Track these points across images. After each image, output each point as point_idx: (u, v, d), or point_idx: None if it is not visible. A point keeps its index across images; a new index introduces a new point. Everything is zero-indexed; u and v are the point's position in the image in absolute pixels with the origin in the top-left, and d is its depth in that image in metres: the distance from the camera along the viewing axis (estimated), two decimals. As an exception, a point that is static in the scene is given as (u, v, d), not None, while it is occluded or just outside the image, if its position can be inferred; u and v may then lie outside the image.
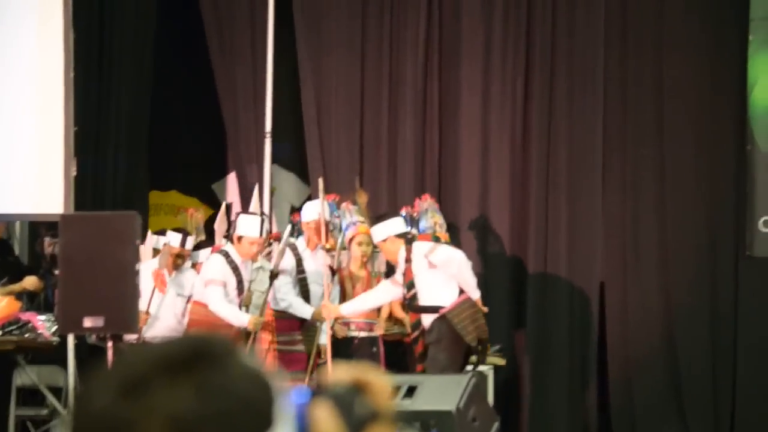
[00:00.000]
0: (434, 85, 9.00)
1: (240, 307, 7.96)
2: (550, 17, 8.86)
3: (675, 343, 8.44)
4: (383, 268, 8.30)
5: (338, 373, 1.34)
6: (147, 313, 7.91)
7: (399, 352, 8.24)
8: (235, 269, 7.94)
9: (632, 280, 8.64)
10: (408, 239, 7.72)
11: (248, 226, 7.93)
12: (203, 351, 1.22)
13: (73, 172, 8.16)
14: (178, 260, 8.17)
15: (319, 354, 7.96)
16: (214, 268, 7.93)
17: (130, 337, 7.73)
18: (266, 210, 8.97)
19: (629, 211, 8.70)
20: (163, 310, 8.12)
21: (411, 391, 6.63)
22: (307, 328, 8.00)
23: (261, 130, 9.16)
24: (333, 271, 8.07)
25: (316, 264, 8.06)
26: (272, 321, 7.99)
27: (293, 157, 9.51)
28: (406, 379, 6.79)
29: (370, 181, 8.88)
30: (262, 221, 8.01)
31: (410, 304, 7.72)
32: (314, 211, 8.05)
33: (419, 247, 7.68)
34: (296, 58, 9.20)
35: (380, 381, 1.34)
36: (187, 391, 1.19)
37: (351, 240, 8.13)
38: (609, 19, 8.74)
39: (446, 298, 7.63)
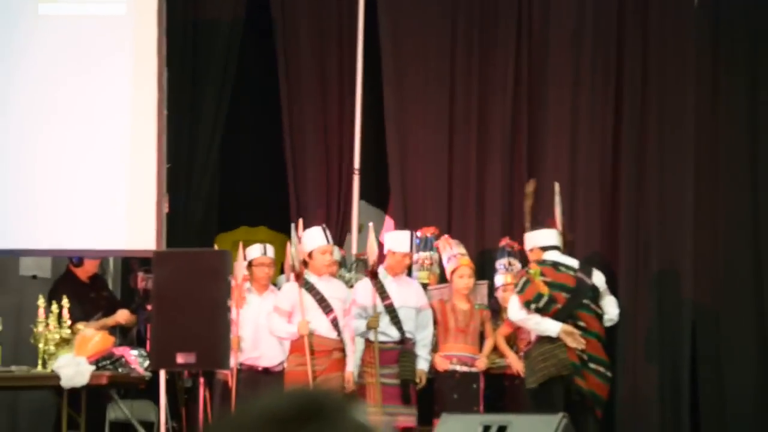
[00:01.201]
0: (523, 123, 9.06)
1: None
2: (640, 54, 8.88)
3: None
4: (485, 301, 8.38)
5: None
6: (237, 335, 8.03)
7: (500, 387, 8.29)
8: (311, 289, 8.02)
9: (726, 323, 8.57)
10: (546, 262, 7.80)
11: (312, 238, 8.05)
12: (313, 407, 1.23)
13: (166, 209, 8.36)
14: (261, 271, 8.27)
15: (414, 382, 8.00)
16: (282, 296, 8.12)
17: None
18: (354, 247, 9.12)
19: (722, 260, 8.62)
20: (262, 333, 8.21)
21: (501, 431, 6.71)
22: (404, 356, 8.04)
23: (348, 167, 9.31)
24: (432, 307, 8.21)
25: (402, 291, 8.12)
26: (374, 352, 7.98)
27: (374, 193, 9.66)
28: (496, 419, 6.87)
29: (458, 219, 8.98)
30: (324, 229, 8.09)
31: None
32: (405, 242, 8.15)
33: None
34: (378, 95, 9.31)
35: None
36: None
37: (453, 272, 8.26)
38: (701, 52, 8.72)
39: (533, 336, 7.87)
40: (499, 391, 8.26)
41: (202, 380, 7.64)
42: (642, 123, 8.83)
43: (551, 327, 7.75)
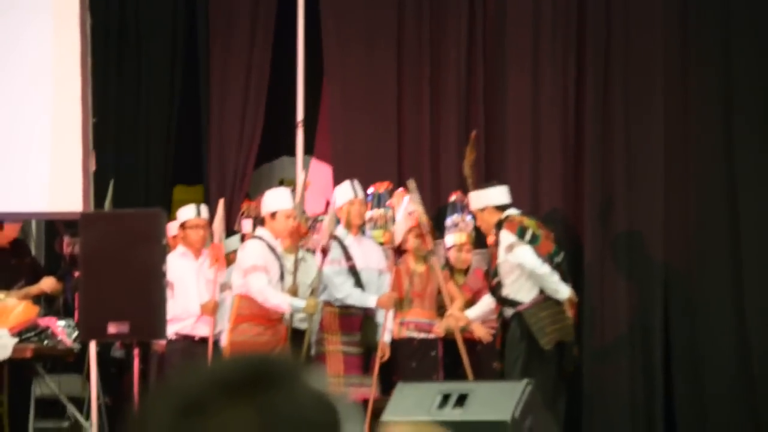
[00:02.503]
0: (479, 87, 8.87)
1: None
2: (603, 13, 8.68)
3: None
4: (443, 262, 8.08)
5: (400, 428, 1.37)
6: (215, 299, 7.87)
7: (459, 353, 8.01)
8: (274, 252, 7.70)
9: (699, 292, 8.39)
10: (498, 222, 7.46)
11: (279, 199, 7.75)
12: (266, 372, 1.22)
13: (92, 167, 8.12)
14: (197, 234, 8.03)
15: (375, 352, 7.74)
16: (253, 254, 7.66)
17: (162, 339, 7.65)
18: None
19: (693, 219, 8.44)
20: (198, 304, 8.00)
21: (462, 399, 6.50)
22: (366, 323, 7.78)
23: (290, 120, 9.06)
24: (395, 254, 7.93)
25: (363, 250, 7.84)
26: (336, 318, 7.74)
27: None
28: (456, 387, 6.68)
29: (410, 174, 8.66)
30: (293, 191, 7.82)
31: (493, 292, 7.54)
32: (348, 193, 7.85)
33: (505, 237, 7.44)
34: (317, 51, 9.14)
35: None
36: (249, 414, 1.19)
37: (408, 232, 7.94)
38: (668, 17, 8.54)
39: (526, 294, 7.44)
40: (459, 359, 7.97)
41: (136, 351, 7.35)
42: (606, 85, 8.65)
43: (565, 289, 7.45)
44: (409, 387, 6.83)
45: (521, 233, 7.42)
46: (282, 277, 7.72)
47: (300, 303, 7.57)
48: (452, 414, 6.34)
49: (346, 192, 7.87)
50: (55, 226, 8.87)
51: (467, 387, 6.72)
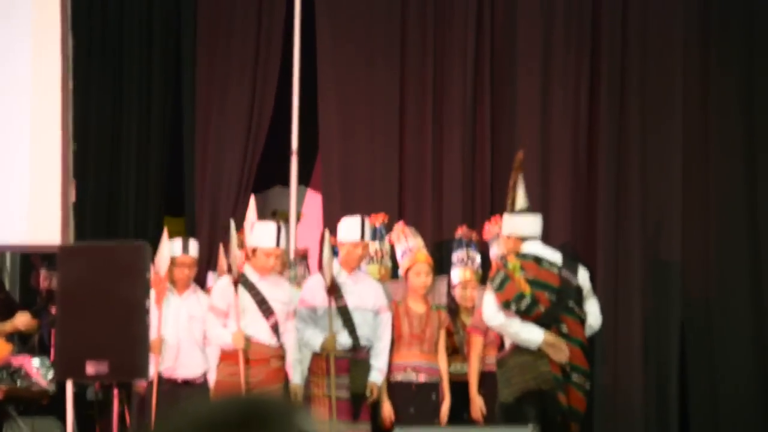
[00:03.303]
0: (485, 100, 8.72)
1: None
2: (619, 17, 8.56)
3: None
4: (444, 300, 7.85)
5: None
6: (159, 335, 7.65)
7: (463, 396, 7.77)
8: (251, 288, 7.52)
9: (717, 312, 8.18)
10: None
11: (261, 235, 7.56)
12: (255, 413, 1.22)
13: (72, 197, 8.00)
14: (181, 272, 7.77)
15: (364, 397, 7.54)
16: (215, 293, 7.68)
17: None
18: (292, 236, 8.68)
19: (713, 239, 8.30)
20: (182, 339, 7.76)
21: None
22: (354, 366, 7.54)
23: (285, 149, 8.90)
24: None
25: (359, 288, 7.63)
26: (323, 361, 7.50)
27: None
28: None
29: (412, 204, 8.57)
30: (279, 229, 7.59)
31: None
32: (355, 233, 7.61)
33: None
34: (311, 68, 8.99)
35: None
36: None
37: (408, 270, 7.68)
38: (689, 20, 8.41)
39: (506, 341, 7.21)
40: (462, 402, 7.71)
41: (116, 392, 7.22)
42: (621, 98, 8.51)
43: (533, 336, 7.08)
44: None
45: (495, 279, 7.19)
46: (265, 310, 7.51)
47: (227, 337, 7.44)
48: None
49: (353, 231, 7.62)
50: (30, 259, 8.75)
51: None
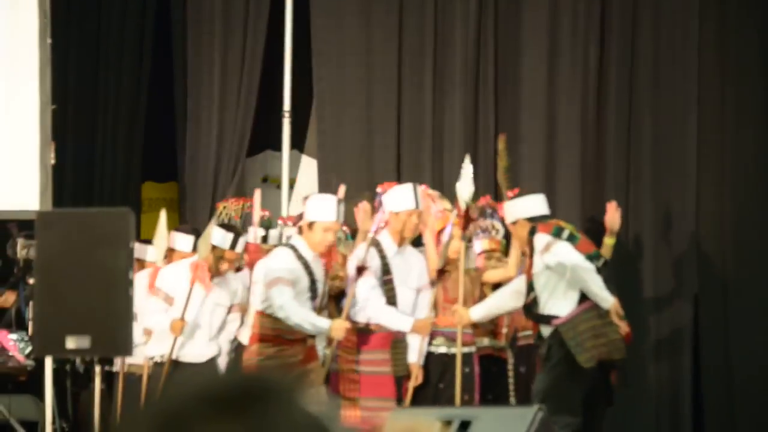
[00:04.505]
0: (489, 56, 8.59)
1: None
2: None
3: None
4: (473, 264, 7.67)
5: (392, 425, 1.55)
6: (182, 319, 7.40)
7: (493, 372, 7.62)
8: (307, 266, 7.23)
9: (732, 285, 8.14)
10: (531, 229, 7.03)
11: (321, 208, 7.27)
12: (256, 391, 1.23)
13: (51, 160, 7.94)
14: (222, 265, 7.57)
15: (408, 377, 7.36)
16: (279, 266, 7.22)
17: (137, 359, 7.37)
18: (285, 208, 8.58)
19: (728, 209, 8.21)
20: (201, 324, 7.58)
21: (464, 427, 6.21)
22: (397, 344, 7.37)
23: (277, 111, 8.76)
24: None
25: (405, 264, 7.40)
26: (353, 334, 7.29)
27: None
28: (458, 413, 6.36)
29: (410, 174, 8.41)
30: (339, 202, 7.36)
31: (528, 310, 7.10)
32: (410, 201, 7.34)
33: (539, 240, 7.01)
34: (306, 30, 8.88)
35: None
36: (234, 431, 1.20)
37: (439, 232, 7.50)
38: None
39: (563, 307, 6.97)
40: (494, 376, 7.61)
41: (98, 369, 7.16)
42: (633, 51, 8.42)
43: (608, 296, 6.94)
44: (404, 413, 6.59)
45: (557, 233, 6.99)
46: (315, 292, 7.26)
47: (324, 324, 7.11)
48: (453, 443, 6.02)
49: (408, 200, 7.37)
50: (7, 227, 8.52)
51: (471, 413, 6.37)
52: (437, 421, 6.28)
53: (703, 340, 8.22)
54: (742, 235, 8.23)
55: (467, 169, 7.33)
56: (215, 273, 7.48)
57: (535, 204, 7.14)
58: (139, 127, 9.51)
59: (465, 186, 7.32)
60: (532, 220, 7.05)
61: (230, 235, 7.40)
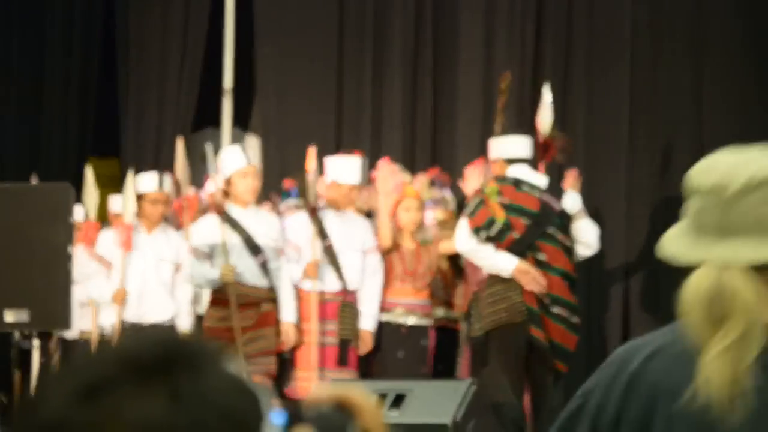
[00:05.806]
0: (427, 33, 8.69)
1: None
2: None
3: None
4: (429, 236, 7.74)
5: (321, 392, 1.38)
6: (122, 288, 7.55)
7: (446, 344, 7.74)
8: (235, 225, 7.34)
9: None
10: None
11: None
12: (179, 355, 1.22)
13: None
14: (155, 209, 7.64)
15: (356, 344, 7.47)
16: (196, 235, 7.40)
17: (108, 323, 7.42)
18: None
19: (658, 187, 8.35)
20: (148, 282, 7.64)
21: (399, 400, 6.34)
22: (344, 310, 7.47)
23: (217, 88, 8.83)
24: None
25: (346, 229, 7.50)
26: (311, 305, 7.42)
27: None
28: (393, 386, 6.53)
29: (349, 143, 8.57)
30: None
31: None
32: (355, 172, 7.46)
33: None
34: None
35: (368, 402, 1.39)
36: (158, 397, 1.19)
37: (396, 205, 7.58)
38: None
39: (477, 278, 7.17)
40: (447, 349, 7.72)
41: (36, 343, 7.17)
42: (567, 32, 8.55)
43: (504, 264, 6.96)
44: (340, 387, 6.66)
45: (488, 225, 7.04)
46: (254, 251, 7.36)
47: (214, 273, 7.26)
48: (388, 416, 6.14)
49: (353, 174, 7.47)
50: None
51: (405, 386, 6.55)
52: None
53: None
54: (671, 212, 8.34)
55: (546, 97, 7.36)
56: (155, 222, 7.63)
57: (516, 146, 7.14)
58: (83, 104, 9.47)
59: (544, 116, 7.34)
60: (509, 161, 7.10)
61: (153, 176, 7.61)
